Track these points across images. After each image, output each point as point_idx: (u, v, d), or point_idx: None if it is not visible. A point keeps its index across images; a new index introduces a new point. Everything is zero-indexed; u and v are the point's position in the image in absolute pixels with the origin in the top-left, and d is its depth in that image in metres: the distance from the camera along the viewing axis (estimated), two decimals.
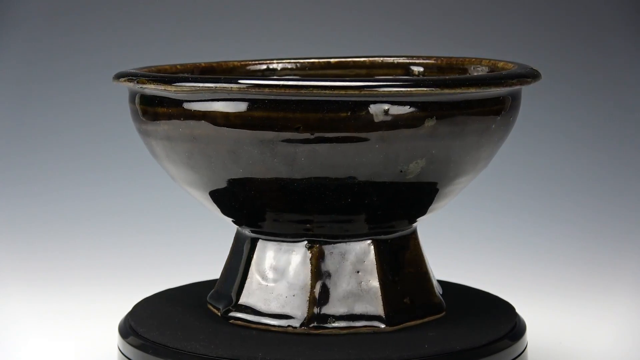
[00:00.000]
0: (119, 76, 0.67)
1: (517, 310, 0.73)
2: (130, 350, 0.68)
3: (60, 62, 1.21)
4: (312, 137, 0.62)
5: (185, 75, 0.68)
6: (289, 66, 0.82)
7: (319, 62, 0.82)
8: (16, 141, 1.18)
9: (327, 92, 0.61)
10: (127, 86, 0.67)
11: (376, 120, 0.62)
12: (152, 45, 1.21)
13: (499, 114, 0.65)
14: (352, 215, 0.66)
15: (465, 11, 1.24)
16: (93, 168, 1.15)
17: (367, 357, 0.63)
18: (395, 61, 0.81)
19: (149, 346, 0.66)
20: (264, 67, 0.81)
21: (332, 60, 0.82)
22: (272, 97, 0.61)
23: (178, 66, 0.77)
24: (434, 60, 0.79)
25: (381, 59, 0.81)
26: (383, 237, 0.69)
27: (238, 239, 0.72)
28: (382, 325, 0.67)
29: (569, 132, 1.18)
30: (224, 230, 0.79)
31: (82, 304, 0.89)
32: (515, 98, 0.67)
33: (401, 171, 0.64)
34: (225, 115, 0.63)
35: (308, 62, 0.82)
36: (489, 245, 1.03)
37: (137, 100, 0.67)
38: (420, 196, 0.67)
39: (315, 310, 0.67)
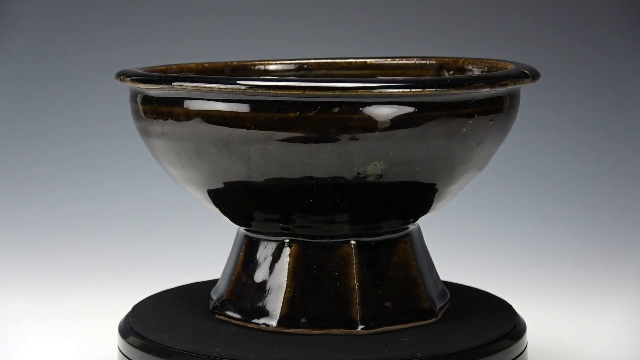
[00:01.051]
0: (119, 75, 0.67)
1: (517, 310, 0.73)
2: (130, 350, 0.68)
3: (60, 62, 1.21)
4: (262, 136, 0.62)
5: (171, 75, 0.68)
6: (287, 67, 0.82)
7: (317, 62, 0.82)
8: (16, 141, 1.18)
9: (272, 92, 0.61)
10: (127, 85, 0.67)
11: (326, 121, 0.62)
12: (151, 46, 1.21)
13: (470, 117, 0.64)
14: (323, 217, 0.66)
15: (464, 11, 1.24)
16: (93, 168, 1.15)
17: (339, 358, 0.63)
18: (396, 62, 0.81)
19: (149, 346, 0.66)
20: (262, 67, 0.82)
21: (329, 60, 0.82)
22: (227, 97, 0.62)
23: (173, 66, 0.77)
24: (433, 60, 0.79)
25: (382, 59, 0.81)
26: (365, 239, 0.68)
27: (236, 237, 0.72)
28: (357, 329, 0.67)
29: (569, 132, 1.18)
30: (224, 230, 0.80)
31: (82, 304, 0.89)
32: (495, 101, 0.66)
33: (359, 173, 0.64)
34: (186, 113, 0.64)
35: (304, 63, 0.82)
36: (489, 245, 1.03)
37: (138, 99, 0.67)
38: (401, 199, 0.66)
39: (290, 310, 0.67)
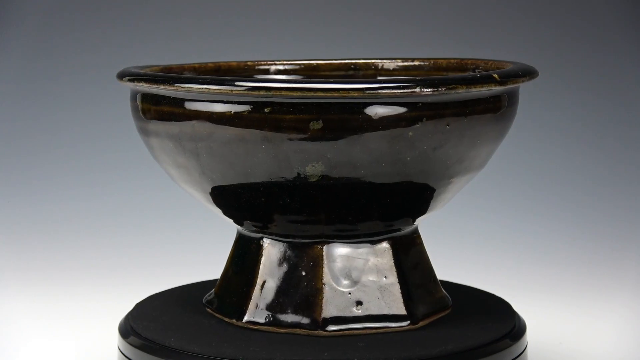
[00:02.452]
0: (121, 75, 0.67)
1: (517, 310, 0.73)
2: (130, 350, 0.68)
3: (60, 62, 1.21)
4: (205, 134, 0.63)
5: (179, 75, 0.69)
6: (290, 67, 0.82)
7: (323, 64, 0.82)
8: (16, 141, 1.18)
9: (206, 89, 0.62)
10: (128, 85, 0.67)
11: (259, 120, 0.62)
12: (152, 45, 1.21)
13: (417, 121, 0.63)
14: (283, 216, 0.67)
15: (464, 12, 1.24)
16: (93, 168, 1.15)
17: (366, 358, 0.63)
18: (396, 63, 0.81)
19: (149, 346, 0.67)
20: (264, 67, 0.82)
21: (327, 61, 0.83)
22: (180, 95, 0.64)
23: (174, 66, 0.77)
24: (432, 61, 0.79)
25: (381, 61, 0.81)
26: (338, 241, 0.68)
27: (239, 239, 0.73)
28: (318, 330, 0.67)
29: (569, 132, 1.18)
30: (224, 230, 0.80)
31: (82, 304, 0.89)
32: (473, 102, 0.65)
33: (299, 174, 0.64)
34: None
35: (311, 64, 0.82)
36: (489, 245, 1.03)
37: (138, 98, 0.67)
38: (372, 201, 0.66)
39: (257, 307, 0.68)
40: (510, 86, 0.65)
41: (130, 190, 1.13)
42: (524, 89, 0.70)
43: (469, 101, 0.64)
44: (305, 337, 0.66)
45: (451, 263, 0.95)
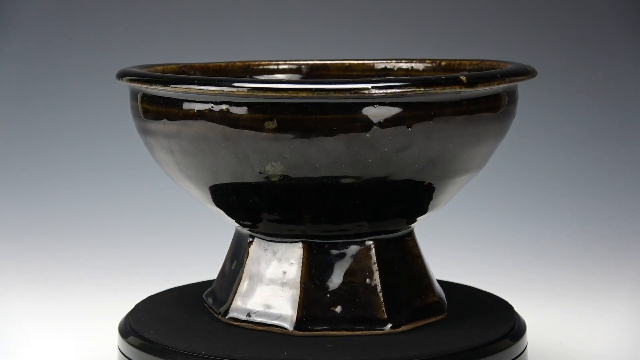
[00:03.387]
0: (121, 75, 0.68)
1: (517, 310, 0.73)
2: (130, 350, 0.68)
3: (60, 61, 1.21)
4: (175, 130, 0.64)
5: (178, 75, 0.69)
6: (291, 67, 0.82)
7: (320, 63, 0.82)
8: (16, 141, 1.18)
9: (160, 87, 0.63)
10: (127, 85, 0.68)
11: (218, 118, 0.62)
12: (152, 45, 1.21)
13: (371, 126, 0.62)
14: (253, 215, 0.67)
15: (463, 12, 1.24)
16: (93, 168, 1.15)
17: (365, 359, 0.63)
18: (395, 65, 0.81)
19: (149, 346, 0.67)
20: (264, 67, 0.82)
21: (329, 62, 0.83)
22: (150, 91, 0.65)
23: (174, 66, 0.77)
24: (430, 62, 0.79)
25: (381, 62, 0.81)
26: (317, 241, 0.68)
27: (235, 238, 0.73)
28: (291, 329, 0.67)
29: (569, 131, 1.18)
30: (224, 230, 0.79)
31: (82, 304, 0.89)
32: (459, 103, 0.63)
33: (261, 172, 0.64)
34: None
35: (309, 64, 0.82)
36: (489, 245, 1.03)
37: (138, 98, 0.67)
38: (353, 202, 0.65)
39: (242, 303, 0.68)
40: (480, 89, 0.63)
41: (130, 190, 1.13)
42: (524, 89, 0.70)
43: (435, 103, 0.62)
44: (281, 335, 0.66)
45: (451, 263, 0.95)
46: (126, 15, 1.23)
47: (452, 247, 1.01)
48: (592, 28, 1.21)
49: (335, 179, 0.63)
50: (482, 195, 1.09)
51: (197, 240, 1.04)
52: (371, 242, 0.68)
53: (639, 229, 1.04)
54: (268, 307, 0.68)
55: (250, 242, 0.70)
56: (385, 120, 0.61)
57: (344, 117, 0.61)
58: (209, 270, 0.83)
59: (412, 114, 0.62)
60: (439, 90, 0.61)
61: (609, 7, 1.20)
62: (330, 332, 0.66)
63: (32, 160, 1.16)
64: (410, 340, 0.66)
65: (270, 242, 0.69)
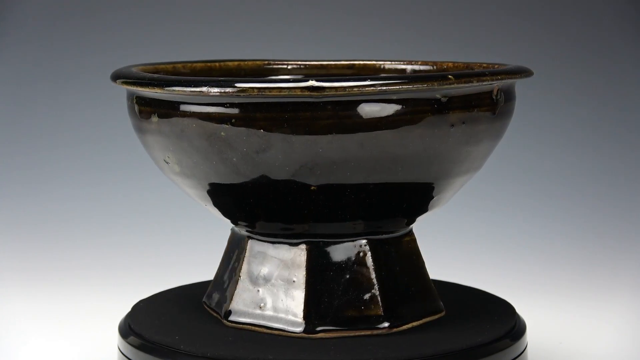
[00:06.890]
0: (115, 77, 0.68)
1: (517, 310, 0.73)
2: (130, 350, 0.68)
3: (60, 61, 1.21)
4: (156, 130, 0.66)
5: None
6: (294, 67, 0.82)
7: (328, 64, 0.83)
8: (16, 141, 1.18)
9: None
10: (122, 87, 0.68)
11: (136, 110, 0.66)
12: (151, 45, 1.21)
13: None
14: (244, 214, 0.68)
15: (463, 13, 1.24)
16: (93, 168, 1.15)
17: (365, 359, 0.63)
18: (395, 66, 0.81)
19: (149, 346, 0.67)
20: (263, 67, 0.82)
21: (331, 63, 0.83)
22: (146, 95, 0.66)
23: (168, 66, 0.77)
24: (430, 64, 0.79)
25: (381, 62, 0.81)
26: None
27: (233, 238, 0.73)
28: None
29: (568, 131, 1.18)
30: (224, 230, 0.79)
31: (82, 304, 0.89)
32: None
33: (166, 162, 0.66)
34: None
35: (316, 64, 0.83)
36: (489, 245, 1.03)
37: (133, 99, 0.67)
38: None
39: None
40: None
41: (130, 190, 1.13)
42: (525, 89, 0.70)
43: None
44: (280, 336, 0.66)
45: (451, 263, 0.95)
46: (126, 15, 1.23)
47: (452, 247, 1.01)
48: (592, 28, 1.21)
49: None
50: (481, 195, 1.09)
51: (197, 240, 1.04)
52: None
53: (639, 229, 1.04)
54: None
55: (247, 242, 0.70)
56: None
57: (247, 114, 0.62)
58: (209, 270, 0.83)
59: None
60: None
61: (609, 7, 1.20)
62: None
63: (32, 160, 1.16)
64: (410, 340, 0.66)
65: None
